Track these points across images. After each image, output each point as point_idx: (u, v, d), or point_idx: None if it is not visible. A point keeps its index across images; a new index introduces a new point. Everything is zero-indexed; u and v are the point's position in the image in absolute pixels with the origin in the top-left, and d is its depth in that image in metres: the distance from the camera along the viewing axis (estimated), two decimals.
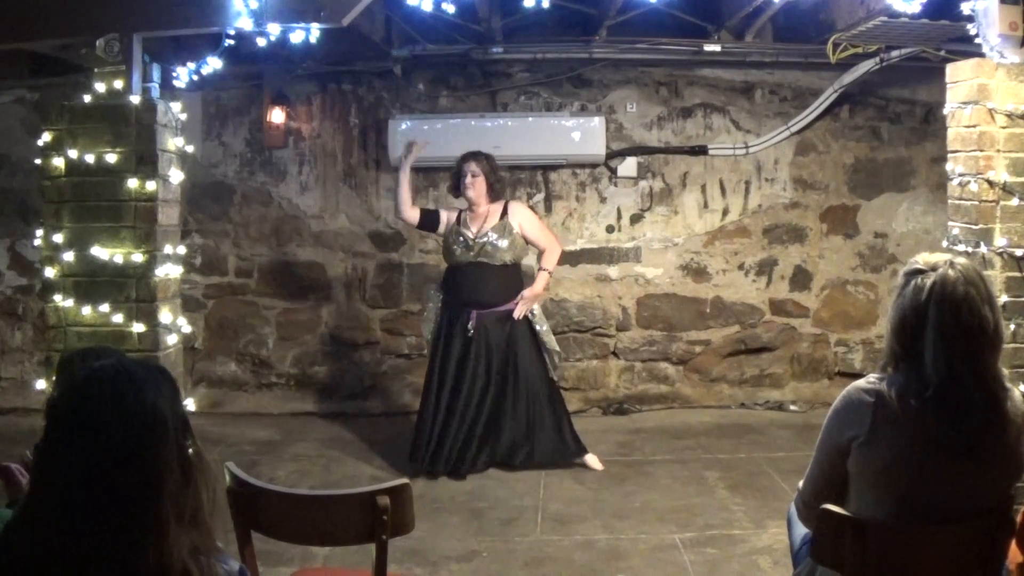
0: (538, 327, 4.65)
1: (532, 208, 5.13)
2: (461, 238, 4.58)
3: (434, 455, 4.53)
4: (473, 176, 4.58)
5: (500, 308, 4.58)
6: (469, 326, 4.54)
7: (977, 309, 1.86)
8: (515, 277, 4.66)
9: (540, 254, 4.71)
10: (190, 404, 1.63)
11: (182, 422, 1.31)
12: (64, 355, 2.43)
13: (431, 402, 4.61)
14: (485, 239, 4.54)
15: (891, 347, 1.97)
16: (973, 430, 1.85)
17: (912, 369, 1.91)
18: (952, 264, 1.91)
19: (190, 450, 1.31)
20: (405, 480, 2.25)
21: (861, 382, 1.97)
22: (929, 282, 1.90)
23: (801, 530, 2.26)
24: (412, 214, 4.73)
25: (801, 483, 2.13)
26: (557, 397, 4.71)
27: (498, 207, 4.64)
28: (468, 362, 4.54)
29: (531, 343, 4.62)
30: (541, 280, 4.64)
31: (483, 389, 4.56)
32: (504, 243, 4.54)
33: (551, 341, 4.70)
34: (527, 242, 4.66)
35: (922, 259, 1.96)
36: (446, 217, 4.72)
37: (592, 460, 4.66)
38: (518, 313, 4.58)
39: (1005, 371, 1.96)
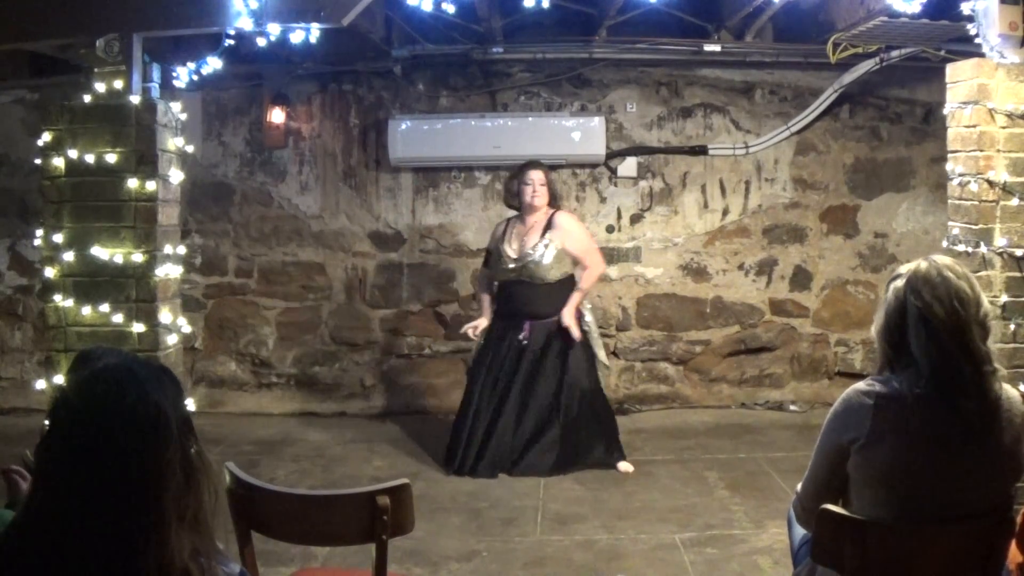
0: (591, 339, 4.65)
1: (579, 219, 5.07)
2: (503, 258, 4.59)
3: (477, 458, 4.54)
4: (540, 185, 4.59)
5: (553, 318, 4.56)
6: (522, 336, 4.53)
7: (953, 285, 1.90)
8: (566, 287, 4.60)
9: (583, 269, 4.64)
10: (190, 404, 1.63)
11: (185, 423, 1.31)
12: (79, 353, 2.43)
13: (475, 408, 4.59)
14: (528, 258, 4.52)
15: (882, 350, 2.01)
16: (970, 410, 1.86)
17: (905, 365, 1.93)
18: (926, 258, 1.97)
19: (192, 451, 1.31)
20: (405, 480, 2.25)
21: (860, 385, 1.98)
22: (905, 279, 1.95)
23: (801, 530, 2.27)
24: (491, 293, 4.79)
25: (799, 485, 2.13)
26: (604, 404, 4.71)
27: (544, 218, 4.61)
28: (521, 370, 4.53)
29: (582, 351, 4.60)
30: (572, 302, 4.55)
31: (535, 397, 4.53)
32: (547, 261, 4.52)
33: (602, 355, 4.70)
34: (570, 255, 4.61)
35: (902, 268, 2.01)
36: (494, 242, 4.72)
37: (625, 466, 4.65)
38: (575, 333, 4.51)
39: (1003, 369, 1.96)
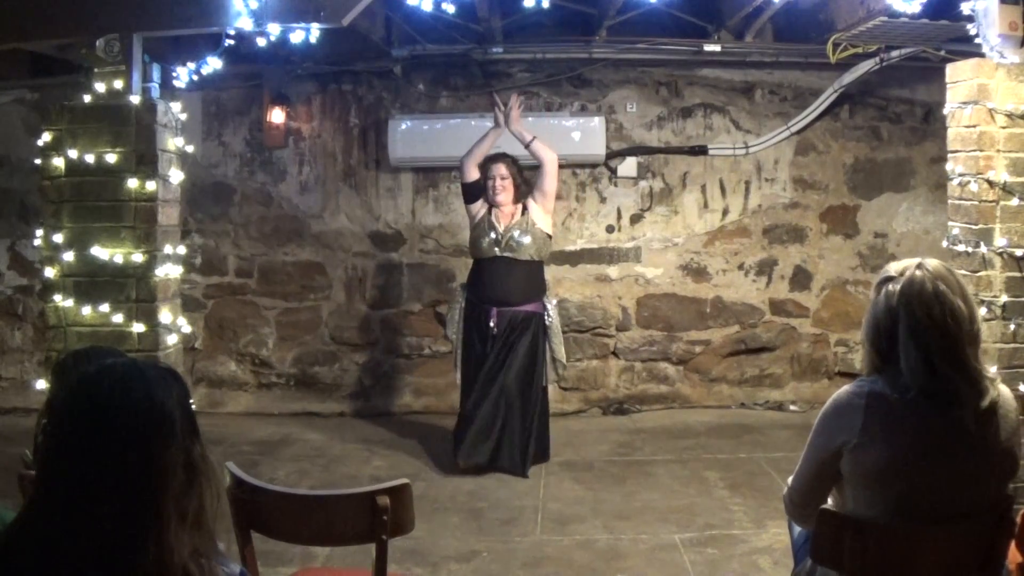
0: (552, 335, 4.61)
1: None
2: (493, 232, 4.54)
3: (471, 448, 4.49)
4: (502, 179, 4.56)
5: (521, 308, 4.55)
6: (491, 324, 4.51)
7: (948, 302, 1.86)
8: (538, 276, 4.64)
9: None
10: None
11: (190, 424, 1.31)
12: (61, 356, 2.43)
13: (470, 399, 4.55)
14: (511, 234, 4.52)
15: (869, 356, 1.99)
16: (961, 421, 1.85)
17: (893, 373, 1.92)
18: (920, 265, 1.92)
19: (196, 452, 1.31)
20: (405, 480, 2.26)
21: (850, 386, 1.97)
22: (899, 287, 1.91)
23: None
24: (473, 171, 4.64)
25: (790, 479, 2.14)
26: (546, 405, 4.70)
27: (519, 208, 4.63)
28: (488, 359, 4.50)
29: (541, 348, 4.58)
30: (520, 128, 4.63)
31: (502, 387, 4.48)
32: (527, 239, 4.52)
33: (560, 351, 4.66)
34: (539, 193, 4.58)
35: (893, 267, 1.97)
36: (480, 203, 4.65)
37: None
38: (512, 102, 4.62)
39: (992, 369, 1.95)
